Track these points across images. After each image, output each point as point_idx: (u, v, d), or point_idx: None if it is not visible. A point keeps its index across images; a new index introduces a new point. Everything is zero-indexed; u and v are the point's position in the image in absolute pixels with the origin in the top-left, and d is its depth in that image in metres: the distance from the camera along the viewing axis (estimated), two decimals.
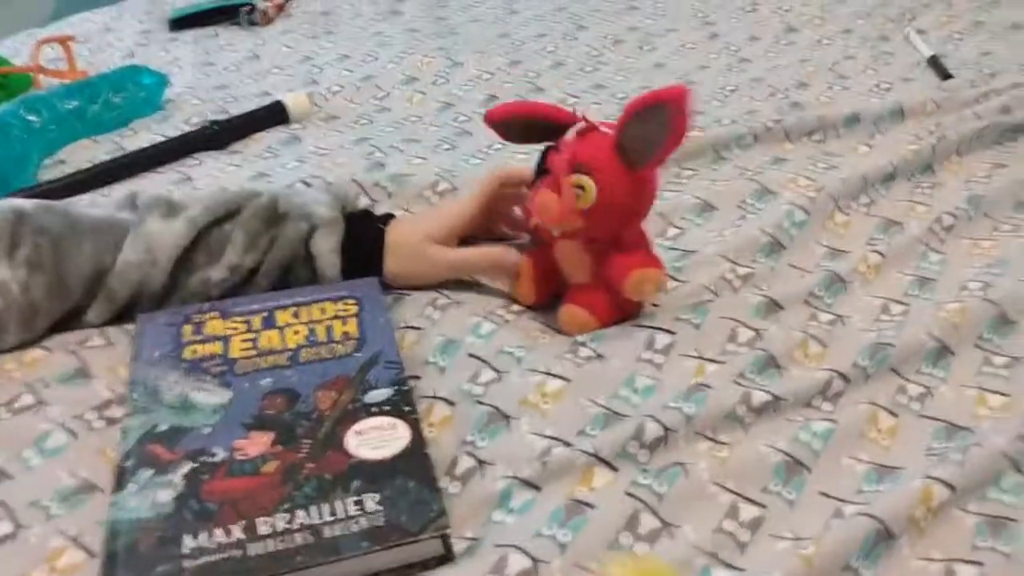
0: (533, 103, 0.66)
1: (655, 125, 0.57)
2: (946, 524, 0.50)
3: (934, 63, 1.15)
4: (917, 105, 0.99)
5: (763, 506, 0.51)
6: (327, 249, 0.67)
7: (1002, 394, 0.60)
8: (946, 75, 1.12)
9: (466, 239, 0.71)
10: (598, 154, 0.60)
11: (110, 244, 0.64)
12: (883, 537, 0.48)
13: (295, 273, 0.68)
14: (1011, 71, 1.11)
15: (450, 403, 0.58)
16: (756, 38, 1.25)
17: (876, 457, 0.55)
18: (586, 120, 0.62)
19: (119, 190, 0.85)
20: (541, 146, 0.64)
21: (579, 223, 0.61)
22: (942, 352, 0.63)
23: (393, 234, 0.69)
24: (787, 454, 0.54)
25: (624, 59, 1.19)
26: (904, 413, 0.59)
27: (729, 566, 0.48)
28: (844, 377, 0.60)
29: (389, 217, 0.72)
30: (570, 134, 0.61)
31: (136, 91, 1.01)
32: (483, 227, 0.73)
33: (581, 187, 0.60)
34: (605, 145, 0.60)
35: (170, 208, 0.66)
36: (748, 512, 0.51)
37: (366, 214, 0.72)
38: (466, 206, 0.70)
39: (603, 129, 0.61)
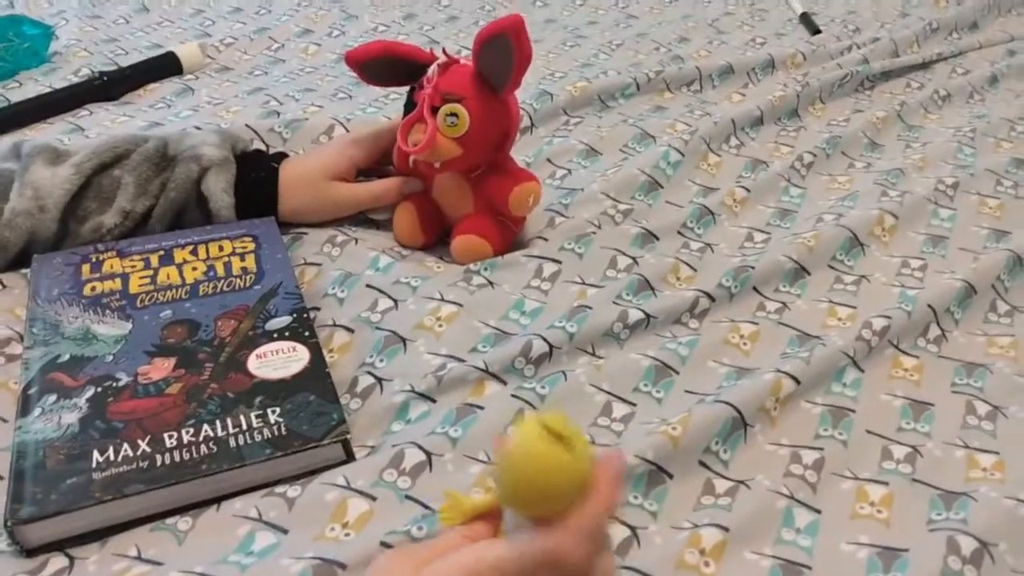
0: (392, 43, 0.66)
1: (503, 52, 0.61)
2: (794, 414, 0.57)
3: (805, 19, 1.23)
4: (787, 57, 1.07)
5: (634, 404, 0.57)
6: (219, 189, 0.67)
7: (850, 307, 0.67)
8: (816, 30, 1.20)
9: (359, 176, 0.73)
10: (464, 82, 0.64)
11: None
12: (739, 425, 0.54)
13: (189, 216, 0.68)
14: (873, 27, 1.20)
15: (349, 330, 0.61)
16: None
17: (736, 360, 0.61)
18: (446, 55, 0.65)
19: (5, 141, 0.83)
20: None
21: (457, 151, 0.64)
22: (799, 272, 0.70)
23: (287, 171, 0.70)
24: (657, 359, 0.59)
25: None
26: (764, 323, 0.65)
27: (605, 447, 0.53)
28: (710, 296, 0.66)
29: (281, 156, 0.73)
30: (432, 70, 0.64)
31: (19, 42, 0.98)
32: (376, 164, 0.75)
33: (455, 115, 0.63)
34: (468, 74, 0.64)
35: (55, 155, 0.66)
36: (621, 409, 0.56)
37: (258, 154, 0.73)
38: (360, 139, 0.72)
39: (463, 61, 0.65)
